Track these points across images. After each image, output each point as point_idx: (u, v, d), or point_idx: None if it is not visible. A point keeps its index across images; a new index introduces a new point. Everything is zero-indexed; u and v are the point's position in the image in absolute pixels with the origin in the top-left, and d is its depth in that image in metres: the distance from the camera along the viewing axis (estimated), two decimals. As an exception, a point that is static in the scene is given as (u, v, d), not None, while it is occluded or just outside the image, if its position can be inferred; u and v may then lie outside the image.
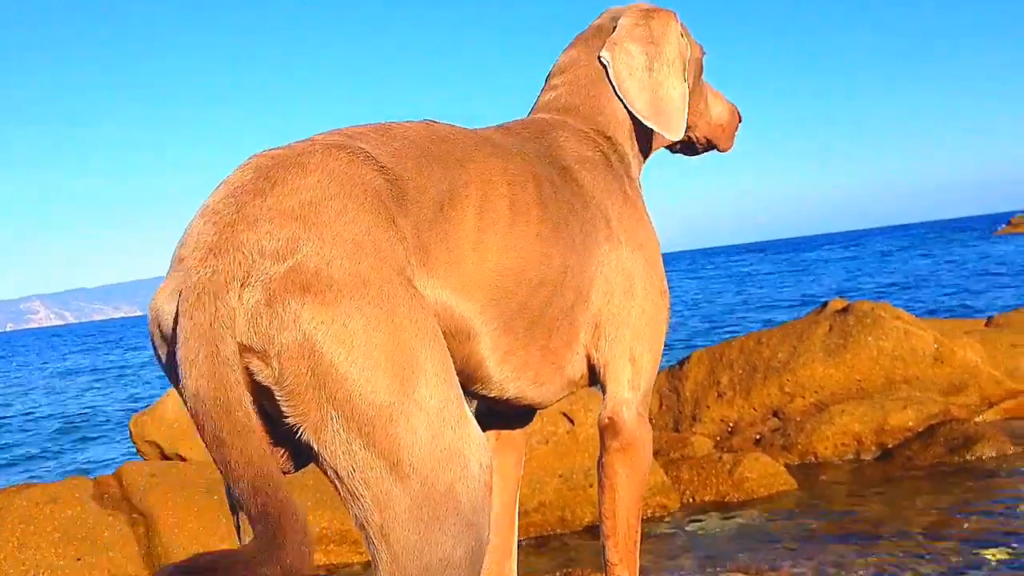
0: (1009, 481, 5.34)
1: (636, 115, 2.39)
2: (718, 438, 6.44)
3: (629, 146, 2.42)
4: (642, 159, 2.52)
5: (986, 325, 7.34)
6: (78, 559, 4.52)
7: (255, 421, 1.47)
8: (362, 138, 1.76)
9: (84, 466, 12.06)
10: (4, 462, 13.71)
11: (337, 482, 1.53)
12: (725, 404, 6.48)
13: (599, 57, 2.43)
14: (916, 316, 6.86)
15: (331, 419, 1.49)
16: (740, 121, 2.78)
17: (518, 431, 2.50)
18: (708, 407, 6.52)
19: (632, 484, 2.21)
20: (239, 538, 1.90)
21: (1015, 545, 4.18)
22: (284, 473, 1.76)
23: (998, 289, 20.70)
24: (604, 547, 2.25)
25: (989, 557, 4.08)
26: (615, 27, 2.45)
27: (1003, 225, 60.31)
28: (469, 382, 1.98)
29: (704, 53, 2.59)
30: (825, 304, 6.99)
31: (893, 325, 6.39)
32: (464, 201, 1.83)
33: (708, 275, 50.28)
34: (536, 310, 1.96)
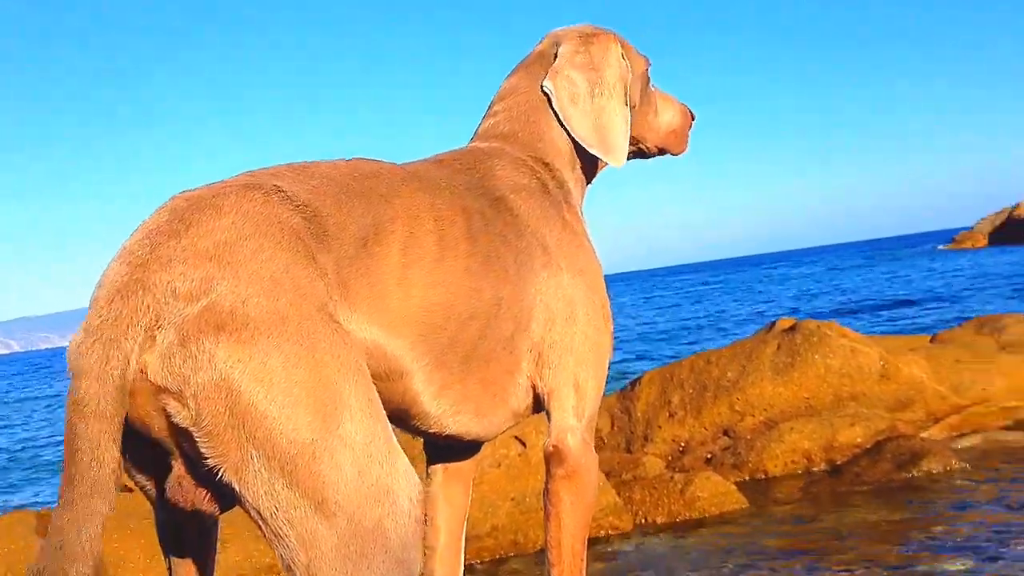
0: (955, 496, 5.41)
1: (581, 143, 2.39)
2: (670, 458, 6.46)
3: (569, 172, 2.42)
4: (585, 183, 2.51)
5: (931, 342, 7.45)
6: (21, 595, 4.41)
7: (113, 479, 1.49)
8: (278, 177, 1.74)
9: (26, 501, 11.81)
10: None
11: (261, 523, 1.50)
12: (676, 424, 6.51)
13: (542, 86, 2.42)
14: (862, 334, 6.94)
15: (252, 459, 1.46)
16: (693, 120, 2.80)
17: (466, 461, 2.48)
18: (659, 427, 6.54)
19: (577, 511, 2.18)
20: None
21: (960, 559, 4.23)
22: (210, 515, 1.75)
23: (942, 304, 21.06)
24: (549, 575, 2.24)
25: (940, 571, 4.13)
26: (556, 53, 2.45)
27: (946, 243, 61.45)
28: (407, 419, 1.96)
29: (650, 63, 2.63)
30: (773, 323, 7.06)
31: (840, 343, 6.46)
32: (388, 237, 1.81)
33: (657, 295, 50.60)
34: (469, 344, 1.93)
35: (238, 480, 1.48)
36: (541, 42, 2.54)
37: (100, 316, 1.47)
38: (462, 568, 2.48)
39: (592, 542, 5.16)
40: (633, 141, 2.62)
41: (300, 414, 1.47)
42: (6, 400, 34.29)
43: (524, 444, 5.28)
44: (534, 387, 2.15)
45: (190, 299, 1.47)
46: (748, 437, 6.38)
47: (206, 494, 1.61)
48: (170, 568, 1.85)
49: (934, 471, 5.82)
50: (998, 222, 53.52)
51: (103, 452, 1.46)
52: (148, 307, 1.47)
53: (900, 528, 4.88)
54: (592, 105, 2.40)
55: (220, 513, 1.68)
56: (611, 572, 4.77)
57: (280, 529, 1.49)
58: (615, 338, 2.38)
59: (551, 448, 2.17)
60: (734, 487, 5.78)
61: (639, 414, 6.65)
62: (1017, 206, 51.63)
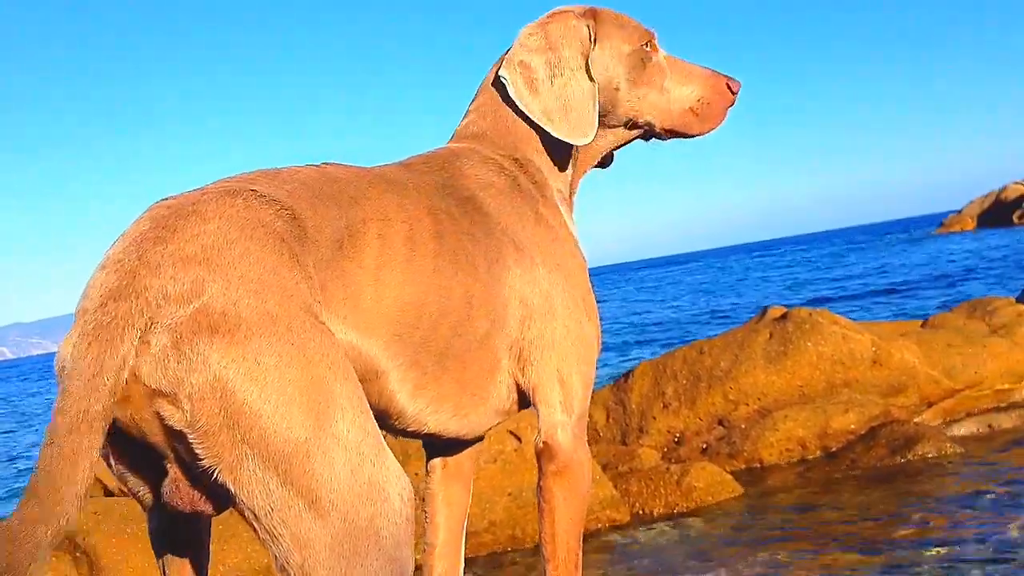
0: (950, 480, 5.45)
1: (542, 127, 2.33)
2: (665, 449, 6.48)
3: (545, 164, 2.37)
4: (569, 172, 2.45)
5: (922, 327, 7.46)
6: (20, 602, 4.41)
7: (84, 484, 1.45)
8: (255, 183, 1.76)
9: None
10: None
11: (255, 523, 1.51)
12: (671, 415, 6.53)
13: (498, 76, 2.37)
14: (853, 320, 6.96)
15: (246, 458, 1.47)
16: (733, 92, 2.48)
17: (466, 459, 2.47)
18: (654, 418, 6.55)
19: (571, 507, 2.18)
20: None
21: (958, 543, 4.26)
22: (206, 518, 1.75)
23: (934, 289, 21.12)
24: (545, 570, 2.24)
25: (934, 554, 4.16)
26: None
27: (936, 227, 61.63)
28: (386, 419, 1.96)
29: (653, 35, 2.44)
30: (764, 311, 7.08)
31: (831, 330, 6.48)
32: (361, 239, 1.82)
33: (648, 287, 50.65)
34: (442, 341, 1.94)
35: (233, 480, 1.49)
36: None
37: (92, 321, 1.48)
38: (462, 565, 2.49)
39: (590, 534, 5.18)
40: (634, 122, 2.45)
41: (294, 413, 1.48)
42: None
43: (519, 439, 5.29)
44: (518, 384, 2.14)
45: (182, 302, 1.48)
46: (743, 426, 6.41)
47: (202, 496, 1.62)
48: (165, 573, 1.86)
49: (929, 455, 5.86)
50: (986, 205, 53.72)
51: (83, 462, 1.44)
52: (141, 311, 1.47)
53: (896, 513, 4.91)
54: (552, 87, 2.31)
55: (216, 514, 1.69)
56: (609, 563, 4.79)
57: (274, 529, 1.49)
58: (603, 331, 2.36)
59: (541, 444, 2.16)
60: (730, 476, 5.81)
61: (633, 406, 6.67)
62: (1004, 189, 51.84)
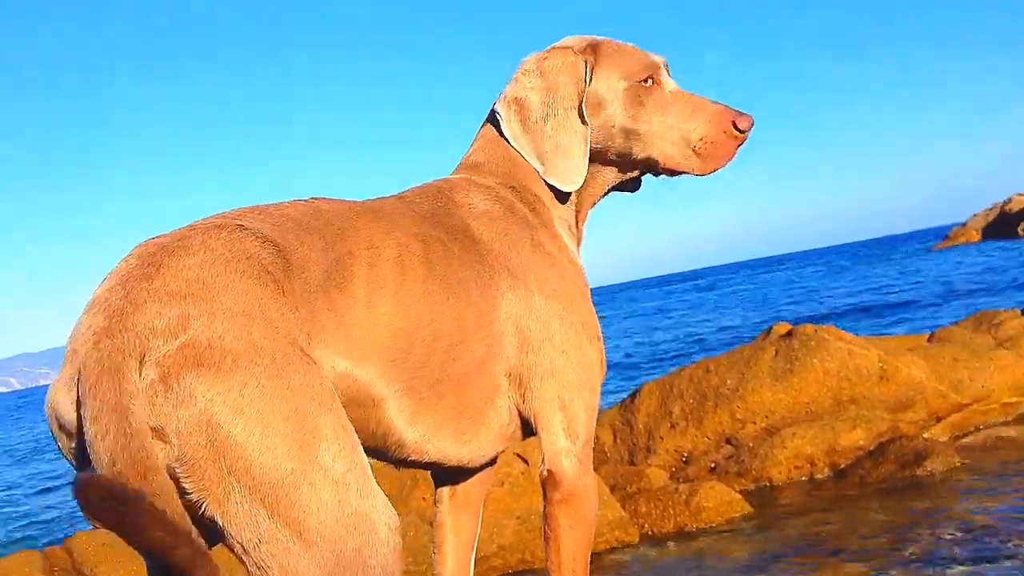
0: (961, 495, 5.43)
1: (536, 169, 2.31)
2: (673, 468, 6.46)
3: (543, 192, 2.33)
4: (572, 202, 2.40)
5: (928, 341, 7.45)
6: (29, 635, 4.40)
7: (172, 485, 1.46)
8: (241, 218, 1.78)
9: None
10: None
11: (244, 556, 1.51)
12: (678, 434, 6.51)
13: (493, 110, 2.36)
14: (859, 336, 6.95)
15: (233, 491, 1.48)
16: (741, 131, 2.30)
17: (474, 488, 2.45)
18: (662, 438, 6.54)
19: (577, 534, 2.15)
20: None
21: (972, 559, 4.24)
22: None
23: (942, 304, 21.08)
24: None
25: (949, 571, 4.13)
26: None
27: (940, 240, 61.53)
28: (386, 449, 1.95)
29: (657, 65, 2.33)
30: (770, 329, 7.07)
31: (837, 346, 6.47)
32: (351, 268, 1.83)
33: (651, 305, 50.59)
34: (437, 367, 1.93)
35: (221, 514, 1.49)
36: None
37: (92, 357, 1.48)
38: None
39: (600, 554, 5.17)
40: (633, 159, 2.35)
41: (279, 444, 1.49)
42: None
43: (527, 462, 5.29)
44: (519, 411, 2.12)
45: (169, 337, 1.49)
46: (750, 445, 6.39)
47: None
48: None
49: (938, 470, 5.84)
50: (991, 217, 53.68)
51: (158, 471, 1.45)
52: (135, 345, 1.48)
53: (907, 529, 4.89)
54: (544, 128, 2.28)
55: (208, 550, 1.70)
56: (619, 585, 4.77)
57: (263, 561, 1.50)
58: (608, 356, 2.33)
59: (545, 473, 2.13)
60: (739, 495, 5.79)
61: (640, 426, 6.66)
62: (1008, 201, 51.79)
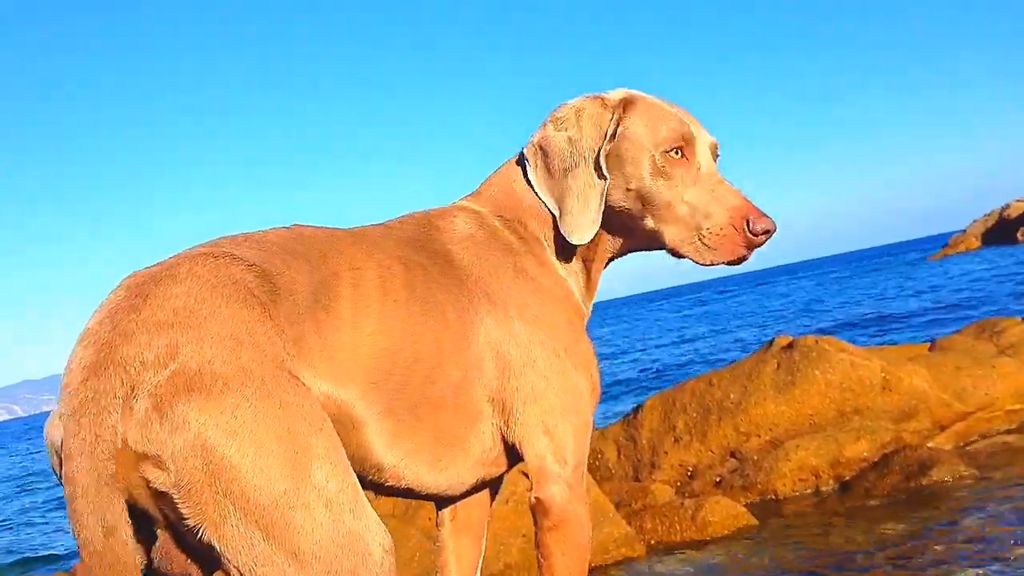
0: (967, 504, 5.40)
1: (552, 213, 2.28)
2: (679, 483, 6.45)
3: (545, 228, 2.30)
4: (577, 258, 2.34)
5: (930, 350, 7.44)
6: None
7: (131, 546, 1.50)
8: (226, 245, 1.81)
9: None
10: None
11: None
12: (682, 449, 6.50)
13: (522, 155, 2.34)
14: (861, 346, 6.94)
15: (229, 514, 1.49)
16: (762, 235, 2.17)
17: (476, 510, 2.43)
18: (666, 453, 6.53)
19: (569, 561, 2.11)
20: None
21: (976, 568, 4.22)
22: None
23: (937, 313, 21.05)
24: None
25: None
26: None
27: (938, 249, 61.53)
28: (364, 473, 1.94)
29: (688, 140, 2.23)
30: (771, 341, 7.07)
31: (839, 358, 6.47)
32: (334, 290, 1.85)
33: (648, 320, 50.56)
34: (416, 389, 1.93)
35: (218, 538, 1.51)
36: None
37: (79, 396, 1.51)
38: None
39: (606, 568, 5.15)
40: (641, 230, 2.29)
41: (273, 464, 1.51)
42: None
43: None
44: (504, 436, 2.10)
45: (159, 366, 1.52)
46: (755, 458, 6.38)
47: (191, 561, 1.64)
48: None
49: (944, 480, 5.82)
50: (990, 224, 53.75)
51: (117, 526, 1.48)
52: (123, 381, 1.51)
53: (914, 540, 4.87)
54: (565, 178, 2.25)
55: None
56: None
57: None
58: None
59: (534, 500, 2.09)
60: (744, 509, 5.77)
61: (644, 441, 6.65)
62: (1007, 207, 51.87)
